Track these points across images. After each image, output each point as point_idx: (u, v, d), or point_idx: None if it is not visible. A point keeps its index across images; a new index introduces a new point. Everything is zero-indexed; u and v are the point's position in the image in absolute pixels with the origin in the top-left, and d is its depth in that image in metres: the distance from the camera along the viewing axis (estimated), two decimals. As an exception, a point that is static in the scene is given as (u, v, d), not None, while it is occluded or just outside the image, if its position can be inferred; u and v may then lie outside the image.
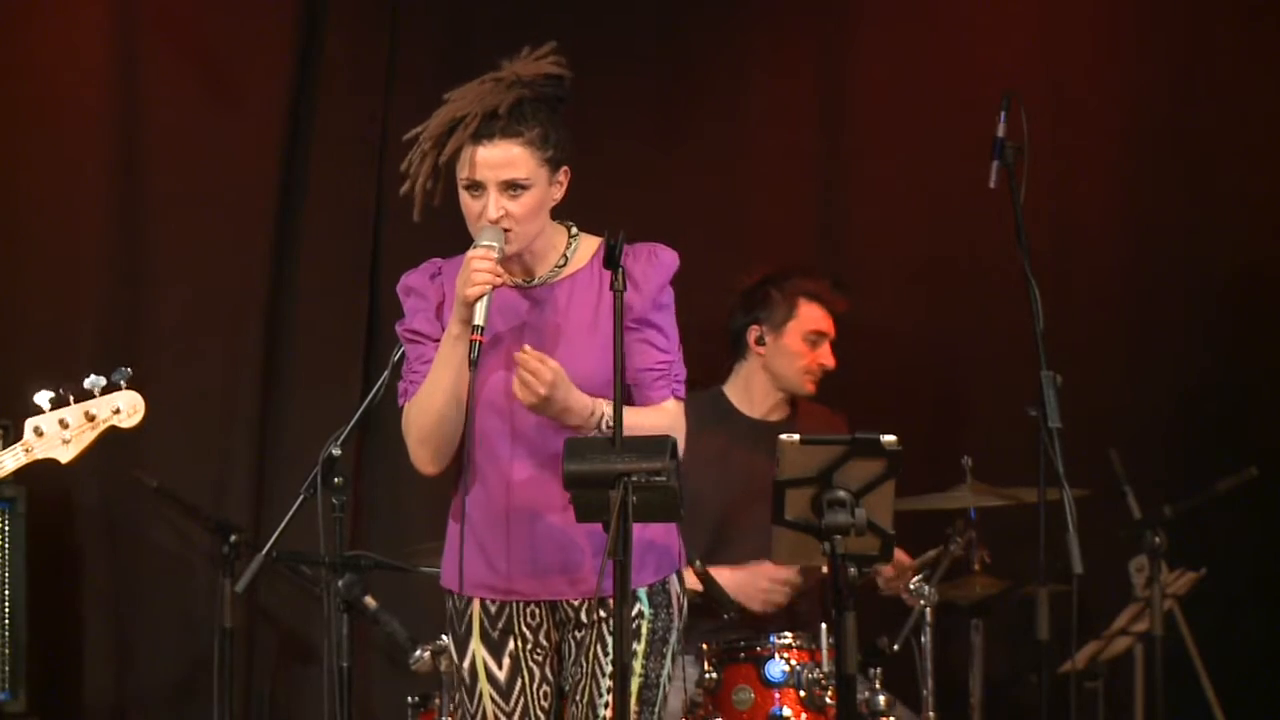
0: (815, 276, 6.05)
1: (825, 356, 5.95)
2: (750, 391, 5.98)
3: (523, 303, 4.34)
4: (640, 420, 4.23)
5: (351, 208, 6.74)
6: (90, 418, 4.48)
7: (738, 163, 6.88)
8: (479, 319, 4.16)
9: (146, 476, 6.24)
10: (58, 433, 4.46)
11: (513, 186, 4.23)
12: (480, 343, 4.15)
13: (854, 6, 6.97)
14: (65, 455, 4.49)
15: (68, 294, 6.57)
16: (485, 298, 4.16)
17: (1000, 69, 6.67)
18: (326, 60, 6.75)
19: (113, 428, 4.51)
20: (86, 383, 4.45)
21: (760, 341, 5.96)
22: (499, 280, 4.20)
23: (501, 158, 4.23)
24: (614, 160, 6.56)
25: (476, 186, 4.25)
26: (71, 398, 4.46)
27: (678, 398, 4.36)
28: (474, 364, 4.16)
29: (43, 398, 4.44)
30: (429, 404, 4.27)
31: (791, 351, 5.94)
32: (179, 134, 6.64)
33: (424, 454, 4.33)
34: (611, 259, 4.18)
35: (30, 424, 4.46)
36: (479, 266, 4.17)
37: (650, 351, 4.33)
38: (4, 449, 4.49)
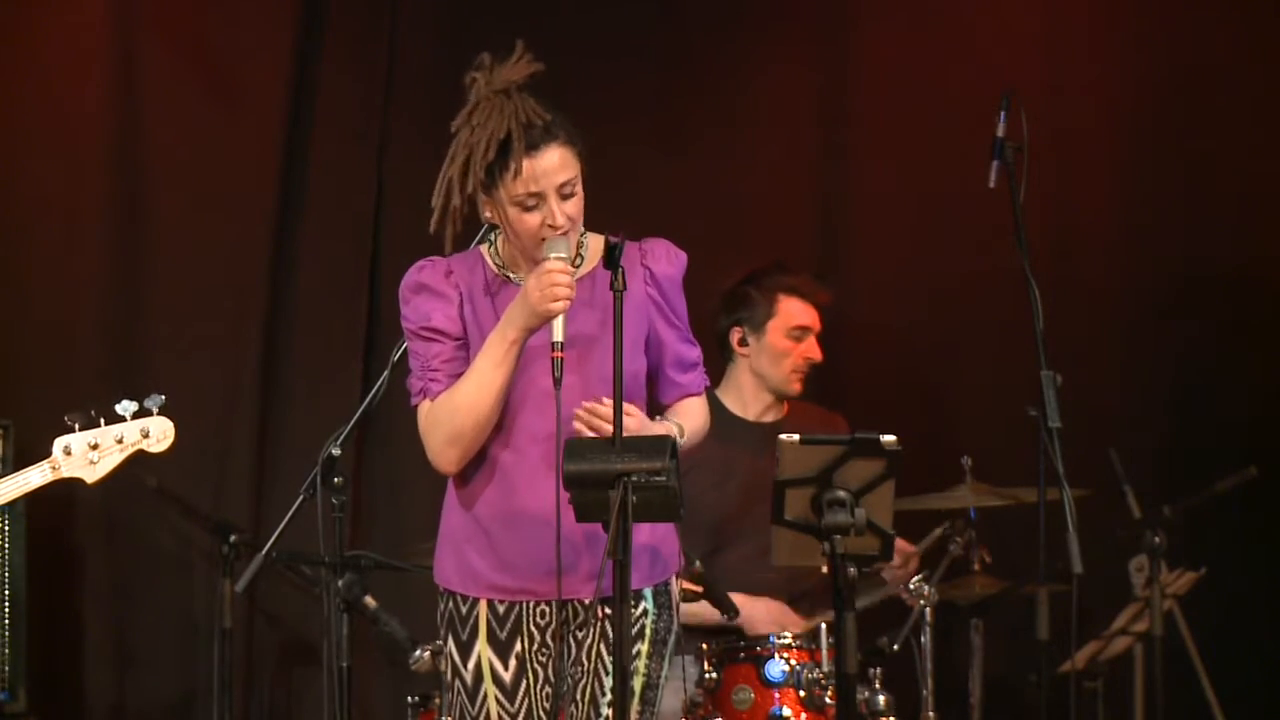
0: (793, 272, 5.99)
1: (811, 350, 5.92)
2: (741, 393, 5.95)
3: None
4: (697, 413, 4.39)
5: (351, 208, 6.75)
6: (119, 441, 4.50)
7: (738, 163, 6.88)
8: (558, 335, 4.11)
9: (146, 476, 6.24)
10: (86, 454, 4.49)
11: (566, 188, 4.22)
12: (562, 359, 4.10)
13: (854, 6, 6.98)
14: (91, 476, 4.52)
15: (68, 293, 6.57)
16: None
17: (1000, 69, 6.67)
18: (326, 60, 6.76)
19: (140, 451, 4.53)
20: (119, 407, 4.48)
21: (744, 343, 5.92)
22: (573, 292, 4.17)
23: (554, 162, 4.20)
24: (614, 160, 6.51)
25: (535, 198, 4.20)
26: (102, 420, 4.49)
27: (707, 388, 4.49)
28: (558, 382, 4.10)
29: (73, 418, 4.48)
30: (474, 405, 4.20)
31: (776, 350, 5.90)
32: (179, 134, 6.65)
33: (453, 454, 4.26)
34: (611, 260, 4.17)
35: (59, 443, 4.49)
36: (560, 280, 4.11)
37: (692, 348, 4.41)
38: (31, 465, 4.53)
